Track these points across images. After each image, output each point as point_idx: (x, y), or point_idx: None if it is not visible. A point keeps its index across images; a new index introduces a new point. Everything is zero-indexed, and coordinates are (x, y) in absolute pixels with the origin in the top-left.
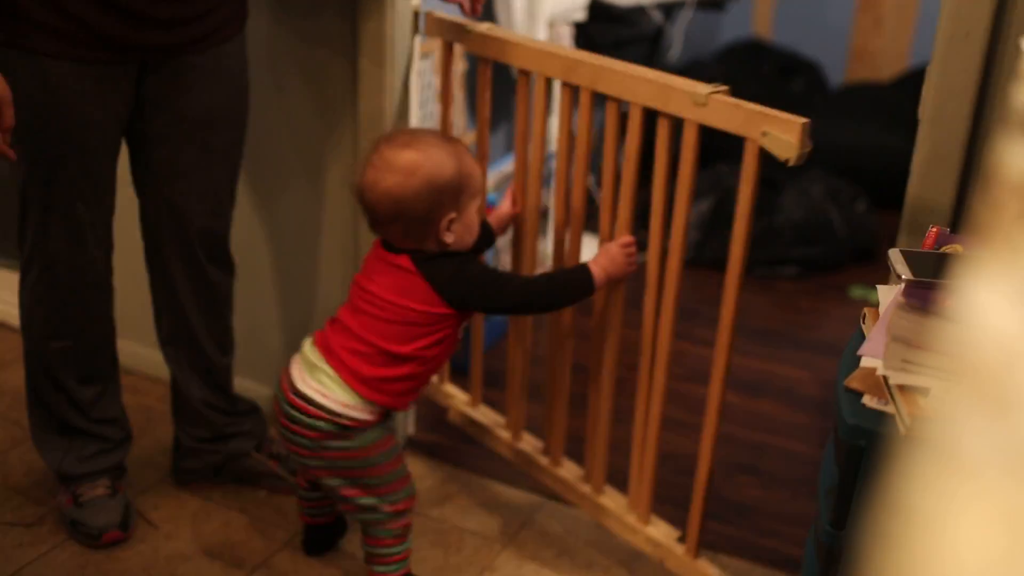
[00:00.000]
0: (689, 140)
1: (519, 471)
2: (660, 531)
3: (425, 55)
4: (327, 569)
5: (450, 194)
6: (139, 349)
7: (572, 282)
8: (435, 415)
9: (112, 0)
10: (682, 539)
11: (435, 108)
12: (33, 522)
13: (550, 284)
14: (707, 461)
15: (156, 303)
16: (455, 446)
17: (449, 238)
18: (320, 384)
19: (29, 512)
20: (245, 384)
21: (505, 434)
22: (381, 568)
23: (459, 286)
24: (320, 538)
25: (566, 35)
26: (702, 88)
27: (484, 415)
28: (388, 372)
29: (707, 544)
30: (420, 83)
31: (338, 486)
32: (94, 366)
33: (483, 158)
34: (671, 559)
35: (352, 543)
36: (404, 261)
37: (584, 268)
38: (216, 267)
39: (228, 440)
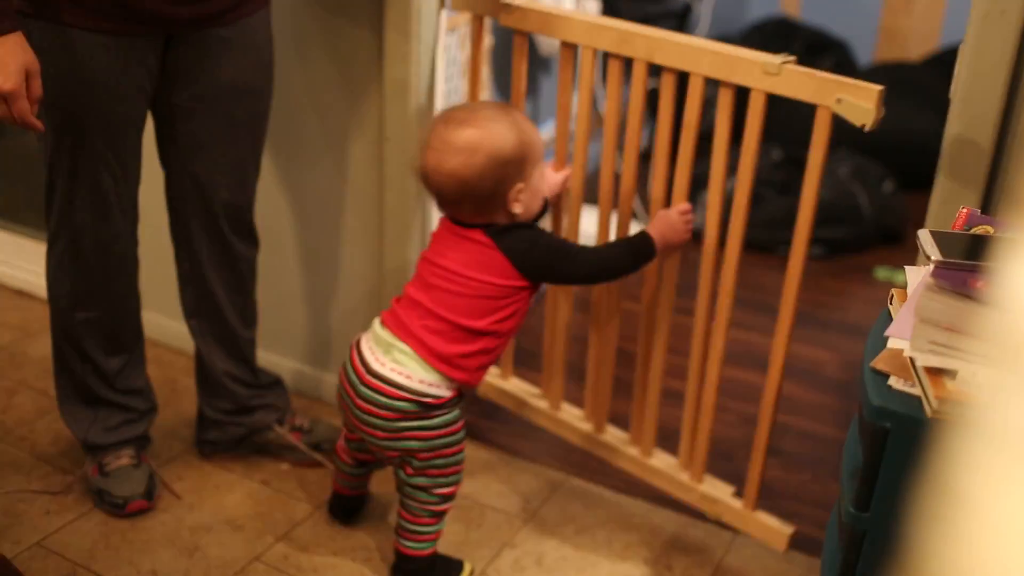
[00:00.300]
0: (757, 109)
1: (541, 448)
2: (715, 488)
3: (451, 30)
4: (350, 539)
5: (514, 165)
6: (164, 321)
7: (637, 248)
8: None
9: None
10: (738, 494)
11: (460, 83)
12: (60, 491)
13: (617, 251)
14: (769, 414)
15: (180, 275)
16: (477, 423)
17: (518, 208)
18: (397, 364)
19: (56, 481)
20: (270, 357)
21: (542, 403)
22: (411, 544)
23: (535, 258)
24: (350, 507)
25: (593, 11)
26: (774, 58)
27: (516, 387)
28: (464, 348)
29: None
30: (445, 58)
31: (403, 466)
32: (119, 337)
33: None
34: (729, 514)
35: (377, 513)
36: (478, 235)
37: (645, 234)
38: (240, 240)
39: (251, 413)
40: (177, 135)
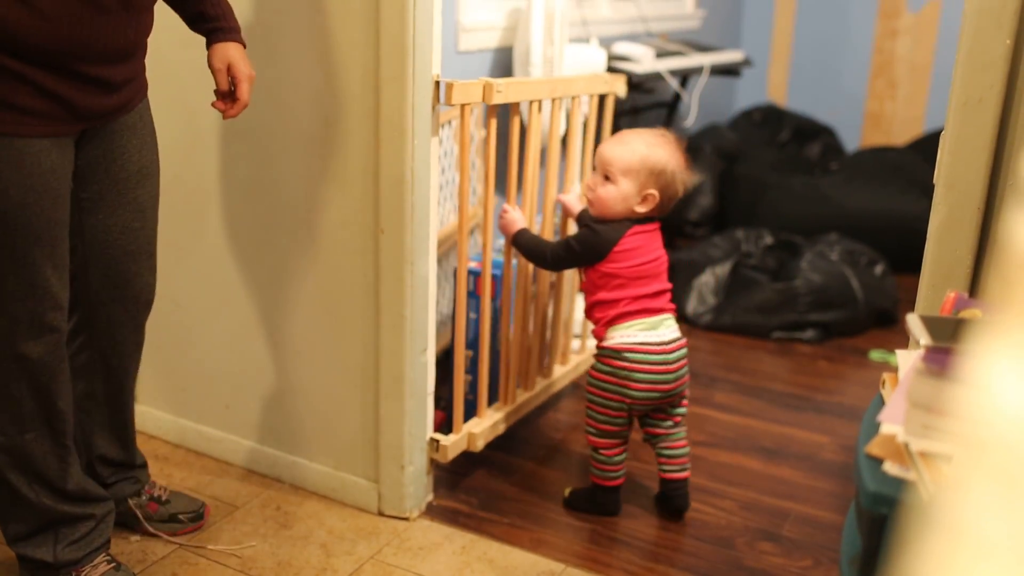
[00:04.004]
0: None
1: (538, 538)
2: None
3: (446, 123)
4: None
5: None
6: None
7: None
8: (452, 479)
9: (82, 69)
10: None
11: (454, 175)
12: None
13: None
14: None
15: (83, 365)
16: (474, 513)
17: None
18: (670, 328)
19: None
20: (267, 451)
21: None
22: (685, 468)
23: None
24: (618, 496)
25: (584, 102)
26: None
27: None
28: None
29: None
30: (440, 151)
31: (677, 403)
32: (66, 443)
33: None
34: None
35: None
36: (656, 226)
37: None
38: (144, 319)
39: (110, 487)
40: (86, 228)
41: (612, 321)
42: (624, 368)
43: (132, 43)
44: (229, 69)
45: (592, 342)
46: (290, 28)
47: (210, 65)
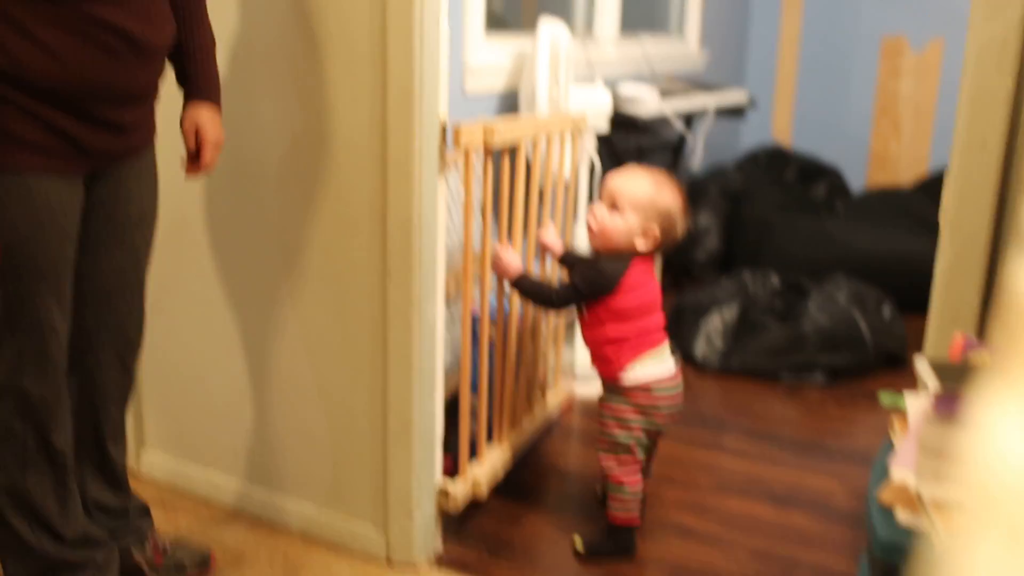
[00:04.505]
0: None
1: None
2: None
3: (452, 165)
4: None
5: None
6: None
7: None
8: (459, 525)
9: (94, 110)
10: None
11: (461, 218)
12: None
13: None
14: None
15: (71, 403)
16: (483, 558)
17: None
18: (670, 357)
19: None
20: (275, 497)
21: None
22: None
23: None
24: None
25: (590, 144)
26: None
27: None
28: None
29: None
30: (446, 192)
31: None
32: (67, 486)
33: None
34: None
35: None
36: (652, 259)
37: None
38: (134, 362)
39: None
40: (79, 267)
41: (627, 357)
42: (651, 401)
43: (143, 88)
44: (197, 131)
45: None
46: (298, 72)
47: (180, 124)
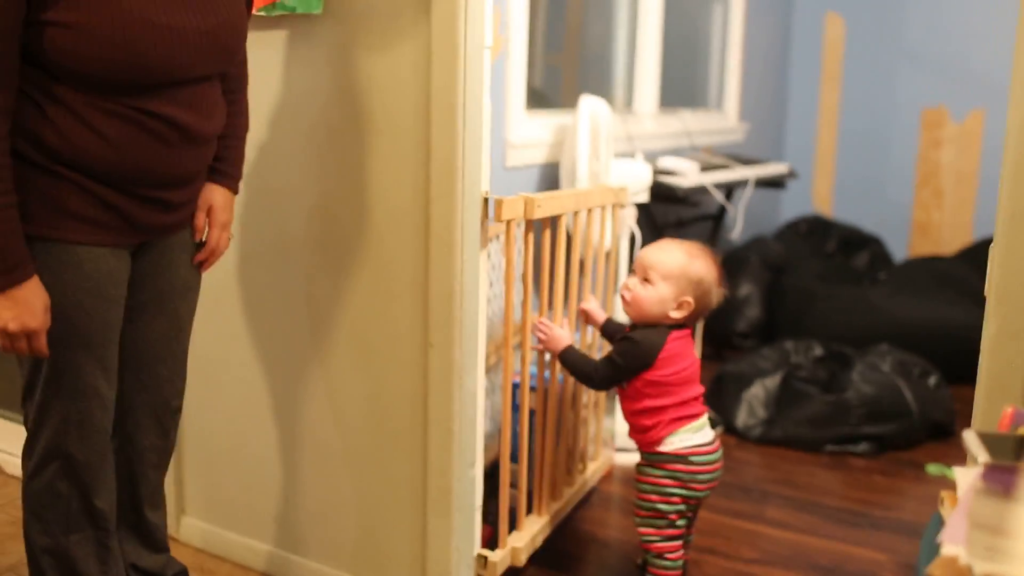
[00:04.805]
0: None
1: None
2: None
3: (494, 238)
4: None
5: None
6: None
7: None
8: None
9: (145, 192)
10: None
11: (501, 288)
12: None
13: None
14: None
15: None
16: None
17: None
18: (709, 429)
19: None
20: (311, 565)
21: None
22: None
23: None
24: None
25: (630, 216)
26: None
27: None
28: None
29: None
30: (487, 264)
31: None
32: (110, 549)
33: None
34: None
35: None
36: (689, 332)
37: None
38: (174, 427)
39: None
40: (123, 334)
41: (665, 428)
42: (690, 471)
43: (192, 172)
44: (209, 211)
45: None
46: (341, 146)
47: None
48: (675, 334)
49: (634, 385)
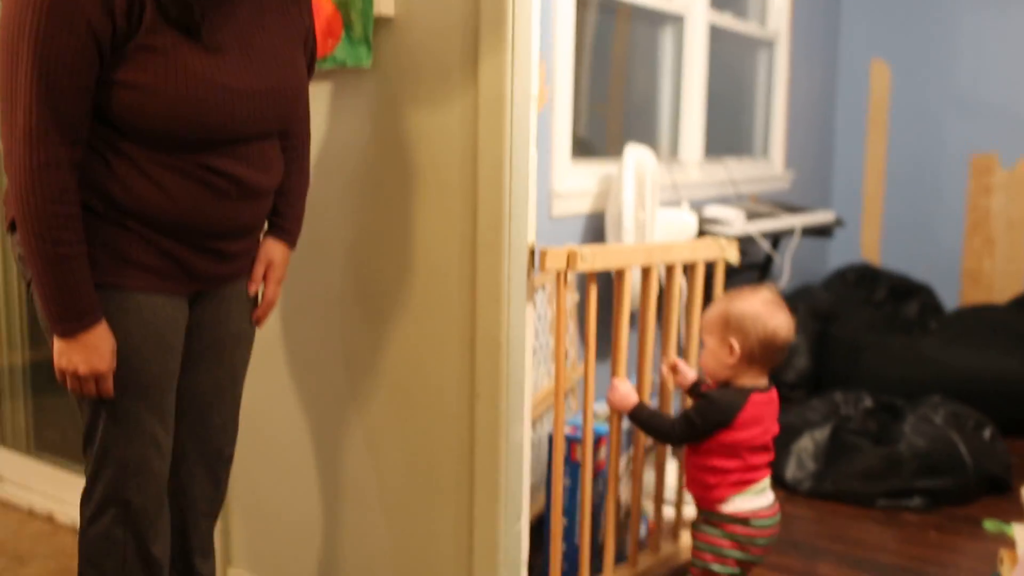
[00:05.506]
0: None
1: None
2: None
3: (539, 288)
4: None
5: None
6: None
7: None
8: None
9: (203, 242)
10: None
11: (548, 339)
12: None
13: None
14: None
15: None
16: None
17: None
18: (770, 491)
19: None
20: None
21: None
22: None
23: None
24: None
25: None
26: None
27: None
28: None
29: None
30: (533, 315)
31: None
32: None
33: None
34: None
35: None
36: (774, 395)
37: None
38: (225, 477)
39: None
40: (180, 385)
41: (729, 488)
42: (748, 534)
43: (248, 224)
44: (268, 266)
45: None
46: (389, 197)
47: (256, 255)
48: (757, 397)
49: (707, 442)
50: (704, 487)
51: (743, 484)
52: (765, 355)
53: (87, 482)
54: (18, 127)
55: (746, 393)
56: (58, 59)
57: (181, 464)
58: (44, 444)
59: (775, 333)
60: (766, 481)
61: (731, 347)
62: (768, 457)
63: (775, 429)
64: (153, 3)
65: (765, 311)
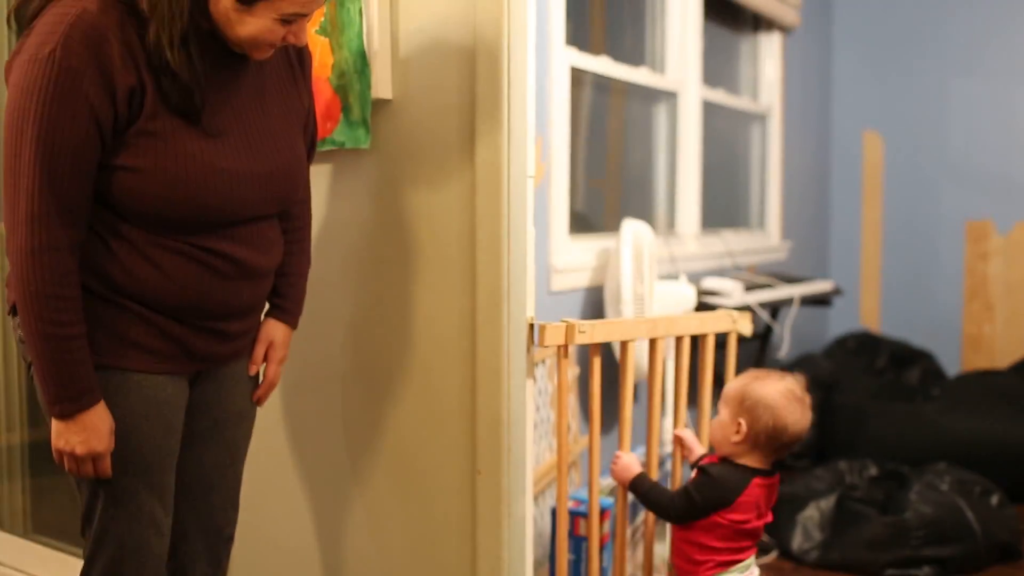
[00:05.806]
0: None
1: None
2: None
3: (539, 362)
4: None
5: None
6: None
7: None
8: None
9: (203, 322)
10: None
11: (549, 413)
12: None
13: None
14: None
15: None
16: None
17: None
18: (754, 567)
19: None
20: None
21: None
22: None
23: None
24: None
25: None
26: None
27: None
28: None
29: None
30: (534, 389)
31: None
32: None
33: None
34: None
35: None
36: (777, 479)
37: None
38: (225, 556)
39: None
40: (180, 464)
41: (715, 568)
42: None
43: (248, 305)
44: (269, 347)
45: None
46: (388, 274)
47: (257, 335)
48: (760, 480)
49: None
50: (689, 561)
51: (729, 564)
52: (769, 445)
53: (85, 563)
54: (20, 210)
55: (749, 476)
56: (61, 144)
57: (181, 544)
58: (41, 526)
59: (785, 428)
60: (752, 559)
61: (739, 426)
62: (757, 538)
63: (769, 517)
64: (154, 89)
65: (782, 403)
